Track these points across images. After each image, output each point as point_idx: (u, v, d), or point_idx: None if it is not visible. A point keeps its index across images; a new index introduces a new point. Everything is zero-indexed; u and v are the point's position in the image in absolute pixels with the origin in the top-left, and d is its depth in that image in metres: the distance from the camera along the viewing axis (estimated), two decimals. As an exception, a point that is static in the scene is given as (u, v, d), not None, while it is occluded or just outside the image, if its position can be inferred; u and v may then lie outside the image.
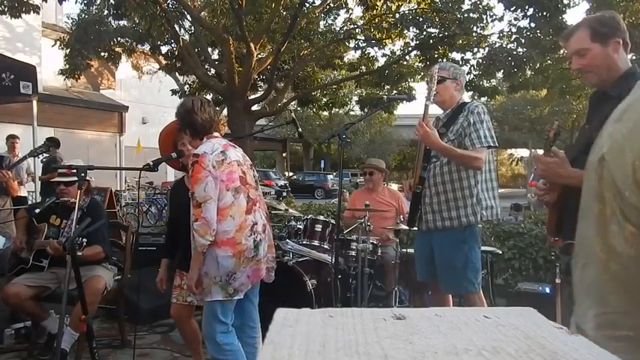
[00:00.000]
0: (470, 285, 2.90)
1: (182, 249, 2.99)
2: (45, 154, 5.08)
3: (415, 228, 3.12)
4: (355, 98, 17.40)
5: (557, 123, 1.97)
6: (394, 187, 6.84)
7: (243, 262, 2.48)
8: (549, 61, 10.64)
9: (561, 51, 10.45)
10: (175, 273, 2.98)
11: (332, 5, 11.11)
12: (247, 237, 2.50)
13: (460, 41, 9.63)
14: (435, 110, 3.02)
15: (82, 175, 2.64)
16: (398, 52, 11.38)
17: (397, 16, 10.18)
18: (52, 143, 6.95)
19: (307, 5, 9.83)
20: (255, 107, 10.31)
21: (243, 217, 2.51)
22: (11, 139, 7.02)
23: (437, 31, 9.83)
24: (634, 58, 14.12)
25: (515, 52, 9.44)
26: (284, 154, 29.03)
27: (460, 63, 10.10)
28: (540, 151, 2.05)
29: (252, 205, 2.59)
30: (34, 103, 6.49)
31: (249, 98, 9.97)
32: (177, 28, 10.07)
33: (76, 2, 10.40)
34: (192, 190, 2.42)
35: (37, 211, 3.51)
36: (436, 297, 3.28)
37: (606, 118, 1.88)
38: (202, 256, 2.42)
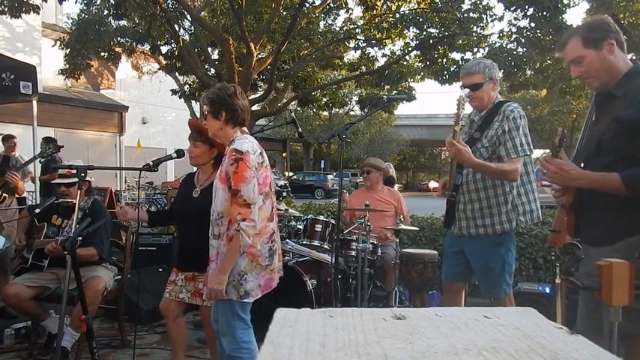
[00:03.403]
0: (507, 287, 2.88)
1: (180, 248, 2.97)
2: (50, 155, 5.09)
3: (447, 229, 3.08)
4: (355, 98, 17.38)
5: (562, 129, 1.99)
6: (394, 186, 6.82)
7: (255, 268, 2.43)
8: (549, 61, 10.63)
9: (561, 51, 10.44)
10: (173, 269, 2.97)
11: (332, 5, 11.11)
12: (264, 244, 2.46)
13: (460, 41, 9.62)
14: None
15: (82, 175, 2.64)
16: (398, 52, 11.38)
17: (397, 16, 10.18)
18: (50, 143, 7.00)
19: (307, 5, 9.83)
20: (255, 107, 10.30)
21: (264, 223, 2.46)
22: (10, 139, 7.01)
23: (437, 31, 9.83)
24: (634, 57, 14.12)
25: (515, 52, 9.43)
26: (284, 154, 29.01)
27: (460, 63, 10.11)
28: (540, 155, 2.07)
29: (273, 213, 2.56)
30: (34, 103, 6.48)
31: (249, 98, 9.96)
32: (177, 28, 10.07)
33: (76, 2, 10.42)
34: (236, 186, 2.35)
35: (38, 211, 3.51)
36: (448, 298, 3.20)
37: (613, 119, 1.91)
38: (240, 256, 2.38)
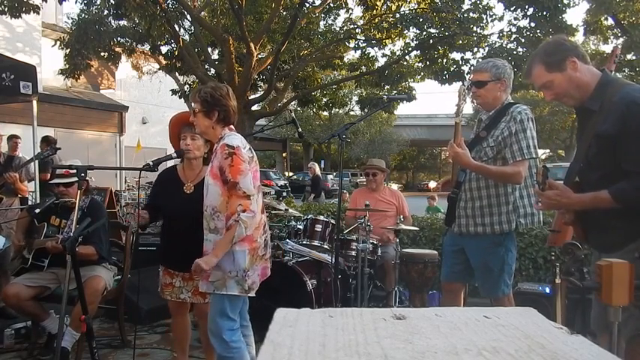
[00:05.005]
0: (505, 287, 2.87)
1: (169, 248, 2.94)
2: (50, 156, 5.09)
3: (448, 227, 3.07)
4: (355, 98, 17.40)
5: (542, 167, 2.06)
6: (394, 186, 6.85)
7: (256, 260, 2.51)
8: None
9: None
10: (162, 272, 2.96)
11: (332, 5, 11.12)
12: (261, 235, 2.56)
13: (460, 41, 9.63)
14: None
15: (82, 175, 2.64)
16: (398, 52, 11.39)
17: (397, 16, 10.19)
18: (44, 142, 7.03)
19: (307, 5, 9.84)
20: (255, 107, 10.32)
21: (260, 216, 2.55)
22: (13, 139, 7.03)
23: (437, 31, 9.84)
24: (634, 58, 14.13)
25: (515, 52, 9.44)
26: (284, 154, 29.03)
27: (460, 63, 10.11)
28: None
29: (263, 205, 2.65)
30: (34, 103, 6.48)
31: (249, 98, 9.98)
32: (177, 28, 10.07)
33: (76, 2, 10.45)
34: (234, 179, 2.41)
35: (37, 211, 3.50)
36: (446, 298, 3.19)
37: (594, 135, 1.97)
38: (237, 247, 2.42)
